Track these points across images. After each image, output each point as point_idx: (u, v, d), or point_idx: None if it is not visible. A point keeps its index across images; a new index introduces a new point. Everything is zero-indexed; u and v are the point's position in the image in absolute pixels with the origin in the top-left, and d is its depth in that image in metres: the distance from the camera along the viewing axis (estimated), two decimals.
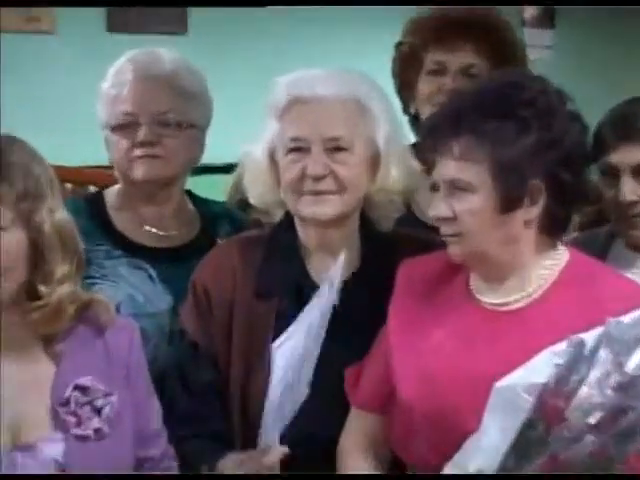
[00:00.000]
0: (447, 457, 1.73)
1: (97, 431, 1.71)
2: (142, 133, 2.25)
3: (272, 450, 1.83)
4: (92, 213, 2.30)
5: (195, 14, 4.97)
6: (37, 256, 1.69)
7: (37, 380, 1.71)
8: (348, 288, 1.97)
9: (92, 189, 3.07)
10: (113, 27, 4.78)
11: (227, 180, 3.12)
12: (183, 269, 2.15)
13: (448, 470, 1.72)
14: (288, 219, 2.10)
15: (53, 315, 1.71)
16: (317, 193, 2.01)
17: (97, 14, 4.78)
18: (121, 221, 2.32)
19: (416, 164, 2.13)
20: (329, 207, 2.01)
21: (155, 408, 1.87)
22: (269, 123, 2.07)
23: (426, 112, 2.47)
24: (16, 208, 1.66)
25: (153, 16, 4.79)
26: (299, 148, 2.01)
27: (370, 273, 2.06)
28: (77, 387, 1.71)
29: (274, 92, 2.07)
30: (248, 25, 5.10)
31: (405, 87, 2.58)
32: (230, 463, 1.88)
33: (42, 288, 1.70)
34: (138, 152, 2.25)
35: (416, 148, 2.08)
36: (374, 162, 2.06)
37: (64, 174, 2.45)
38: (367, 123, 2.04)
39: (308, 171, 2.00)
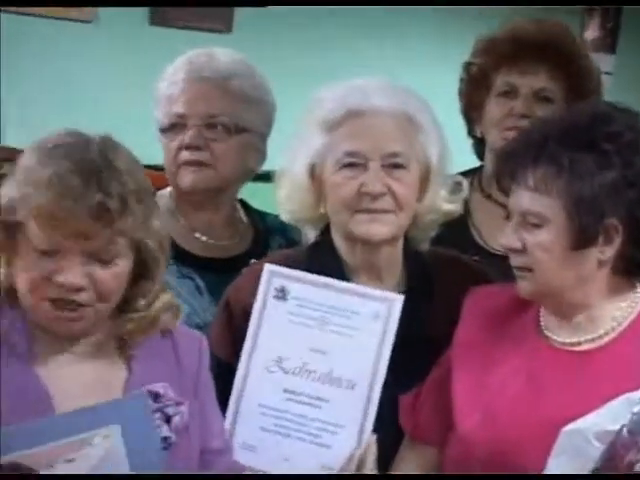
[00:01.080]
0: None
1: (165, 440, 1.72)
2: (188, 136, 2.28)
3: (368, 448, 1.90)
4: None
5: (242, 13, 5.00)
6: (138, 273, 1.72)
7: (109, 383, 1.73)
8: None
9: None
10: (156, 20, 4.79)
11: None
12: (232, 281, 2.15)
13: None
14: (327, 238, 2.11)
15: (149, 325, 1.75)
16: (373, 211, 2.01)
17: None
18: (171, 227, 2.29)
19: (466, 186, 2.16)
20: (385, 227, 2.02)
21: (220, 424, 1.88)
22: (313, 137, 2.06)
23: (493, 135, 2.51)
24: (131, 237, 1.69)
25: (198, 10, 4.81)
26: (354, 163, 2.01)
27: (415, 296, 2.06)
28: (149, 393, 1.72)
29: (323, 104, 2.07)
30: (295, 28, 5.13)
31: (472, 108, 2.60)
32: None
33: (141, 302, 1.74)
34: (184, 156, 2.28)
35: (492, 173, 2.09)
36: (424, 180, 2.07)
37: None
38: (419, 139, 2.06)
39: (367, 189, 2.00)
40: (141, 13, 4.79)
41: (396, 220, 2.03)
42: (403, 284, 2.10)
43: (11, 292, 1.69)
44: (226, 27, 4.90)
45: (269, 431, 1.95)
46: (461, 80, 2.62)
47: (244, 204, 2.46)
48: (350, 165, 2.01)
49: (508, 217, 1.88)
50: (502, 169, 1.91)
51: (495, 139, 2.49)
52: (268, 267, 2.01)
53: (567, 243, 1.80)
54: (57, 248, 1.63)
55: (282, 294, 1.98)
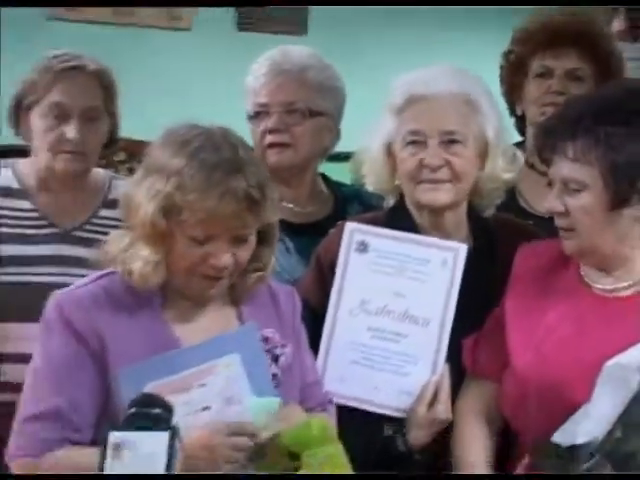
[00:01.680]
0: (554, 425, 1.72)
1: (274, 376, 1.73)
2: (272, 121, 2.28)
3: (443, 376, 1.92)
4: None
5: (314, 17, 4.99)
6: (259, 238, 1.73)
7: (224, 327, 1.75)
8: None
9: None
10: (243, 26, 4.80)
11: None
12: (317, 243, 2.15)
13: (558, 436, 1.70)
14: (402, 204, 2.09)
15: (262, 281, 1.77)
16: (434, 181, 2.00)
17: (229, 14, 4.83)
18: None
19: (520, 156, 2.14)
20: (444, 194, 2.01)
21: (312, 361, 1.89)
22: (386, 120, 2.06)
23: (532, 111, 2.50)
24: (267, 220, 1.71)
25: (277, 17, 4.82)
26: (416, 141, 2.00)
27: (479, 254, 2.04)
28: (261, 337, 1.74)
29: (394, 92, 2.06)
30: (363, 28, 5.09)
31: (512, 90, 2.56)
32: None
33: (260, 263, 1.75)
34: (268, 139, 2.29)
35: (534, 146, 2.05)
36: (483, 153, 2.04)
37: None
38: (477, 117, 2.03)
39: (426, 162, 1.99)
40: (230, 20, 4.81)
41: (454, 188, 2.01)
42: (469, 244, 2.06)
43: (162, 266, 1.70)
44: (302, 30, 4.89)
45: (357, 364, 1.95)
46: (501, 67, 2.59)
47: (324, 177, 2.45)
48: (413, 142, 2.00)
49: (550, 184, 1.86)
50: (543, 143, 1.87)
51: (534, 115, 2.47)
52: (349, 225, 2.02)
53: (605, 205, 1.77)
54: (210, 234, 1.65)
55: (363, 247, 1.99)
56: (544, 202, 1.87)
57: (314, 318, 1.99)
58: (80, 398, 1.61)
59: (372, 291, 1.98)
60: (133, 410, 1.38)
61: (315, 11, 4.95)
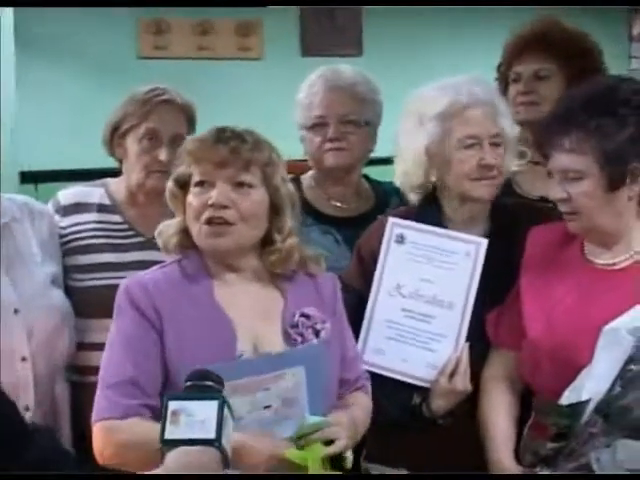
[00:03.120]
0: (565, 385, 1.70)
1: None
2: (331, 131, 2.30)
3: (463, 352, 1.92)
4: None
5: (368, 40, 4.99)
6: (274, 213, 1.74)
7: (270, 306, 1.75)
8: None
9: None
10: (306, 52, 4.83)
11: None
12: (361, 234, 2.15)
13: (567, 394, 1.68)
14: (432, 198, 2.07)
15: (285, 258, 1.75)
16: (488, 178, 1.98)
17: (294, 41, 4.85)
18: (313, 198, 2.36)
19: (526, 152, 2.12)
20: (493, 189, 2.00)
21: (352, 341, 1.88)
22: (429, 125, 2.00)
23: (513, 113, 2.34)
24: (262, 170, 1.72)
25: (336, 41, 4.83)
26: (474, 144, 1.97)
27: (497, 237, 2.01)
28: (303, 314, 1.74)
29: (436, 100, 1.99)
30: (410, 48, 5.07)
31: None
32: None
33: (277, 237, 1.74)
34: (328, 145, 2.31)
35: (534, 143, 2.04)
36: (505, 150, 2.02)
37: None
38: (502, 119, 2.01)
39: (485, 162, 1.96)
40: (295, 48, 4.83)
41: (498, 183, 2.01)
42: (488, 229, 2.05)
43: (186, 234, 1.75)
44: (358, 52, 4.90)
45: (392, 339, 1.96)
46: (496, 79, 2.54)
47: (366, 177, 2.47)
48: (471, 145, 1.98)
49: (549, 174, 1.82)
50: (542, 138, 1.84)
51: (514, 114, 2.35)
52: (391, 220, 2.02)
53: (602, 188, 1.75)
54: (207, 178, 1.69)
55: (401, 239, 2.00)
56: (536, 187, 1.90)
57: (358, 300, 2.00)
58: (150, 368, 1.64)
59: (406, 277, 1.98)
60: (189, 383, 1.40)
61: (368, 35, 4.96)
